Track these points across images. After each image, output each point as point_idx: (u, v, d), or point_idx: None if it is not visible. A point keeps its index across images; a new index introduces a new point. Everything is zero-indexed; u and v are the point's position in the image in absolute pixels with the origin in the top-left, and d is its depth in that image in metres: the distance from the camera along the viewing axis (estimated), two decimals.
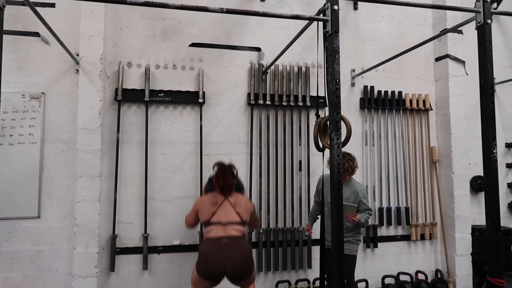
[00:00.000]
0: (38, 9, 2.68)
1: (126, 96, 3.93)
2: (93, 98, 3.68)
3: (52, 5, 3.86)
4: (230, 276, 3.03)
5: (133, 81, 4.00)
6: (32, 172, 3.74)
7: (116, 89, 3.91)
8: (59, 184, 3.78)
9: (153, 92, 3.99)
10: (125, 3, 2.41)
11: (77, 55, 3.72)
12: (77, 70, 3.75)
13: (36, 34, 3.80)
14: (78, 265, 3.55)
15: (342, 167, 2.36)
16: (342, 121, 2.42)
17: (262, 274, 4.12)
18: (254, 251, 4.06)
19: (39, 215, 3.74)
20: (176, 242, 3.97)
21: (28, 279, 3.69)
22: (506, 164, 5.01)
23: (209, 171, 4.02)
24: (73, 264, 3.57)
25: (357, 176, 4.26)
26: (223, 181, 3.16)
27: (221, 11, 2.45)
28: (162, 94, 4.02)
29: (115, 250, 3.79)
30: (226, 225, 3.08)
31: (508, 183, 4.99)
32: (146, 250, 3.86)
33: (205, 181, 3.97)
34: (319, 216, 3.81)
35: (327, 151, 2.62)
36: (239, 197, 3.25)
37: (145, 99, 3.95)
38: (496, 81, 4.58)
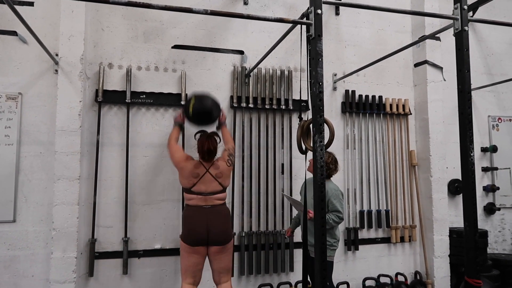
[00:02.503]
0: (16, 7, 2.62)
1: (107, 98, 3.87)
2: (72, 99, 3.60)
3: (31, 3, 3.77)
4: (212, 239, 3.15)
5: (114, 83, 3.94)
6: (8, 175, 3.62)
7: (97, 90, 3.84)
8: (36, 187, 3.68)
9: (134, 94, 3.94)
10: (108, 2, 2.38)
11: (57, 55, 3.64)
12: (56, 71, 3.66)
13: (14, 33, 3.70)
14: (56, 270, 3.46)
15: (324, 168, 2.38)
16: (325, 124, 2.45)
17: (244, 277, 4.11)
18: (236, 254, 4.06)
19: (14, 219, 3.62)
20: (157, 246, 3.92)
21: (3, 285, 3.56)
22: (482, 167, 5.16)
23: None
24: (50, 269, 3.47)
25: (339, 179, 4.33)
26: (207, 147, 3.26)
27: (205, 12, 2.45)
28: (144, 96, 3.98)
29: (94, 255, 3.71)
30: (207, 195, 3.23)
31: (483, 186, 5.14)
32: (126, 254, 3.79)
33: None
34: None
35: (309, 154, 2.64)
36: (220, 167, 3.31)
37: (127, 100, 3.90)
38: (472, 87, 4.71)
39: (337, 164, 3.59)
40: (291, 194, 4.24)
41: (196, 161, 3.32)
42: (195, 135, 3.47)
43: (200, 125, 3.45)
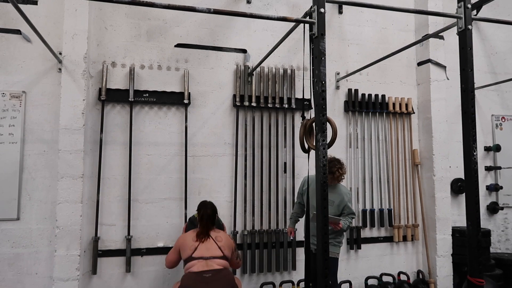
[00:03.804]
0: (20, 6, 2.63)
1: (110, 96, 3.88)
2: (76, 97, 3.62)
3: (35, 2, 3.78)
4: None
5: (117, 81, 3.95)
6: (12, 173, 3.64)
7: (100, 89, 3.85)
8: (39, 185, 3.70)
9: (137, 93, 3.95)
10: (111, 1, 2.39)
11: (60, 53, 3.65)
12: (60, 69, 3.68)
13: (18, 32, 3.72)
14: (59, 268, 3.47)
15: (330, 171, 2.38)
16: (327, 123, 2.45)
17: (246, 276, 4.11)
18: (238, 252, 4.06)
19: (18, 217, 3.64)
20: (160, 244, 3.93)
21: (7, 283, 3.59)
22: (485, 167, 5.14)
23: (193, 172, 4.02)
24: (54, 267, 3.49)
25: None
26: (207, 213, 3.22)
27: (208, 11, 2.45)
28: (147, 95, 3.99)
29: (97, 253, 3.73)
30: (208, 259, 3.06)
31: (487, 186, 5.12)
32: (129, 252, 3.80)
33: (190, 182, 3.97)
34: (299, 218, 3.83)
35: (312, 153, 2.63)
36: (220, 233, 3.28)
37: (130, 99, 3.91)
38: (475, 86, 4.70)
39: (344, 167, 3.55)
40: (292, 193, 4.24)
41: (196, 228, 3.27)
42: (197, 210, 3.39)
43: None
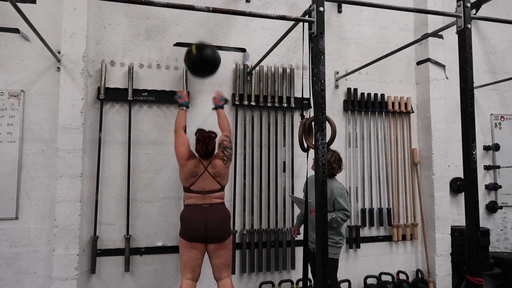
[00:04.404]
0: (18, 5, 2.61)
1: (109, 95, 3.87)
2: (74, 96, 3.61)
3: (33, 1, 3.77)
4: (210, 237, 3.17)
5: (116, 80, 3.94)
6: (10, 172, 3.63)
7: (99, 88, 3.84)
8: (38, 184, 3.69)
9: (136, 92, 3.95)
10: None
11: (59, 52, 3.64)
12: (59, 68, 3.67)
13: (16, 31, 3.71)
14: (58, 267, 3.47)
15: (326, 166, 2.37)
16: (327, 122, 2.44)
17: (245, 275, 4.11)
18: (237, 252, 4.07)
19: (17, 216, 3.64)
20: (159, 244, 3.93)
21: (5, 282, 3.58)
22: (484, 166, 5.14)
23: None
24: (53, 266, 3.48)
25: (341, 177, 4.31)
26: (205, 148, 3.31)
27: (207, 10, 2.45)
28: (146, 94, 3.98)
29: (96, 252, 3.72)
30: (206, 194, 3.25)
31: (486, 185, 5.12)
32: (128, 251, 3.80)
33: None
34: None
35: (311, 152, 2.63)
36: (217, 166, 3.32)
37: (129, 98, 3.90)
38: (474, 85, 4.69)
39: (341, 162, 3.53)
40: (292, 192, 4.24)
41: (196, 160, 3.32)
42: (195, 133, 3.45)
43: (204, 64, 3.30)
